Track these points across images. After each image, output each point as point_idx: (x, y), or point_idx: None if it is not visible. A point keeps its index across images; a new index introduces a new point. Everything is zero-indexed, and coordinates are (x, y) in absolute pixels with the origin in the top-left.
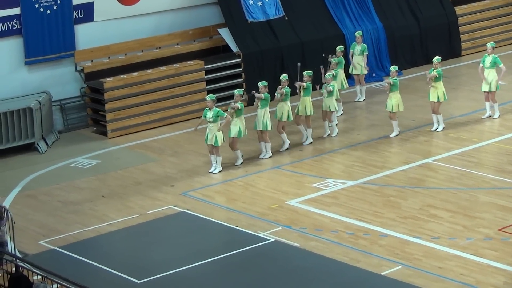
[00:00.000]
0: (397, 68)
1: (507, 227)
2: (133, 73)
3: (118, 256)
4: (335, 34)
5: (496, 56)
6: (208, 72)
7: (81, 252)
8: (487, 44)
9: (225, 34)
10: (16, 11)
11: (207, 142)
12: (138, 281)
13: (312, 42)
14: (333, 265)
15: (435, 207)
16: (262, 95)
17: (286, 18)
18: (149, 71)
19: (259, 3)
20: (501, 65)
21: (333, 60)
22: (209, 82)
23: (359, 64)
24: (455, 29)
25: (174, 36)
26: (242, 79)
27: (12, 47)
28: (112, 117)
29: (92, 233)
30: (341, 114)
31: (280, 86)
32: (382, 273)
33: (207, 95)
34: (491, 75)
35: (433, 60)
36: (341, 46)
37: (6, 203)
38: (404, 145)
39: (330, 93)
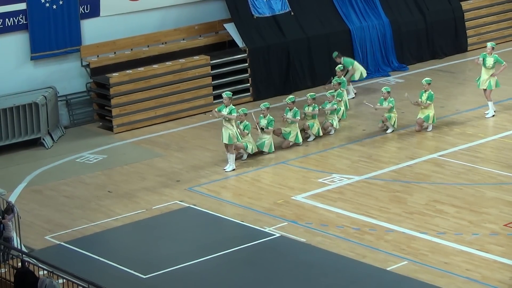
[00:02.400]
0: (389, 89)
1: None
2: (139, 68)
3: (124, 251)
4: (341, 29)
5: (496, 55)
6: (214, 67)
7: (87, 247)
8: (488, 44)
9: (231, 29)
10: (22, 6)
11: (223, 141)
12: (144, 276)
13: (318, 37)
14: (339, 260)
15: (441, 202)
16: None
17: (292, 13)
18: (155, 66)
19: None
20: (504, 64)
21: (334, 81)
22: (215, 77)
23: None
24: (461, 24)
25: (180, 31)
26: (247, 74)
27: (18, 42)
28: (118, 112)
29: (98, 228)
30: (353, 97)
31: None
32: (388, 269)
33: (213, 90)
34: (493, 75)
35: (423, 81)
36: (340, 66)
37: (12, 198)
38: (410, 140)
39: (332, 111)
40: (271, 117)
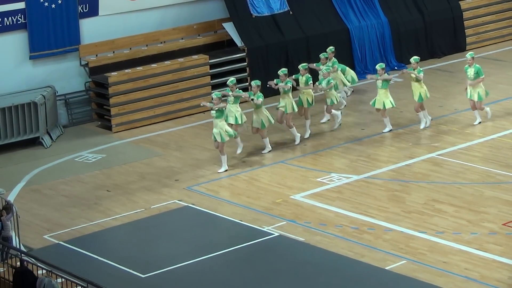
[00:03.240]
0: (383, 65)
1: (511, 222)
2: (138, 68)
3: (123, 250)
4: (340, 28)
5: (478, 66)
6: (212, 66)
7: (85, 246)
8: (467, 55)
9: (230, 28)
10: (21, 5)
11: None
12: (143, 275)
13: (316, 37)
14: (337, 259)
15: (439, 201)
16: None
17: (291, 12)
18: (153, 65)
19: None
20: (482, 76)
21: (324, 69)
22: (213, 76)
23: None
24: (460, 23)
25: (179, 30)
26: (246, 74)
27: (17, 41)
28: (117, 111)
29: (97, 228)
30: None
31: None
32: (386, 268)
33: (211, 89)
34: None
35: (411, 60)
36: (331, 48)
37: (11, 198)
38: (409, 139)
39: (330, 88)
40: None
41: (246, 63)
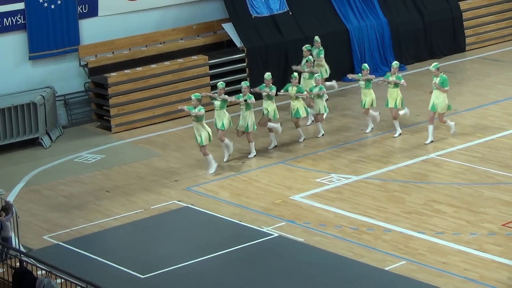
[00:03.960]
0: (367, 66)
1: (511, 222)
2: (137, 68)
3: (122, 251)
4: (339, 29)
5: (444, 76)
6: (212, 67)
7: (85, 247)
8: (431, 67)
9: (229, 29)
10: (20, 6)
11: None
12: (142, 276)
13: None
14: (337, 260)
15: (439, 202)
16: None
17: (290, 13)
18: (153, 66)
19: None
20: (446, 88)
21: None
22: (213, 77)
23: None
24: (460, 24)
25: (178, 31)
26: (246, 74)
27: (16, 42)
28: (116, 112)
29: (96, 228)
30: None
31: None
32: (386, 268)
33: (211, 90)
34: (440, 96)
35: (393, 64)
36: (308, 46)
37: (11, 198)
38: (408, 140)
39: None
40: (250, 95)
41: (245, 64)
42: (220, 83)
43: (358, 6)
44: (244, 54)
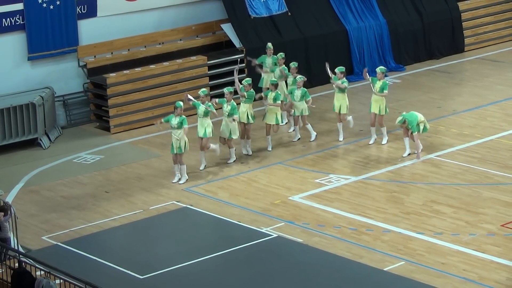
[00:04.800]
0: (343, 69)
1: (510, 223)
2: (136, 69)
3: (121, 251)
4: (338, 29)
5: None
6: (211, 67)
7: (84, 247)
8: (377, 69)
9: (228, 29)
10: (19, 6)
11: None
12: (141, 277)
13: (315, 38)
14: (336, 260)
15: (438, 202)
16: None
17: (289, 13)
18: (152, 66)
19: None
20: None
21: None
22: (212, 77)
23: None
24: (458, 24)
25: (177, 31)
26: (245, 74)
27: (15, 42)
28: (115, 112)
29: (95, 229)
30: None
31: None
32: (385, 269)
33: (210, 90)
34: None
35: (377, 70)
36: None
37: (9, 199)
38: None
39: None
40: (234, 103)
41: (244, 64)
42: (202, 91)
43: (357, 7)
44: (243, 55)
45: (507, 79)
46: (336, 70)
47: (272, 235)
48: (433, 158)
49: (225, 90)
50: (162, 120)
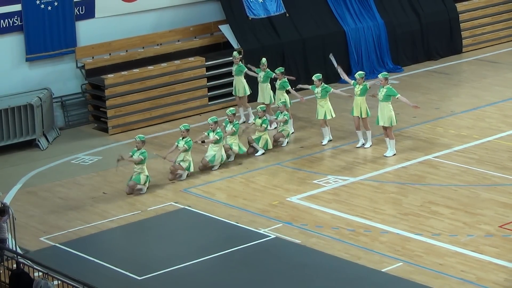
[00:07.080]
0: (320, 76)
1: (508, 224)
2: (134, 70)
3: (119, 252)
4: (336, 30)
5: (390, 87)
6: (209, 68)
7: (82, 248)
8: (379, 75)
9: (226, 30)
10: (17, 7)
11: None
12: (139, 278)
13: (313, 39)
14: (333, 261)
15: (436, 203)
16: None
17: (287, 14)
18: (150, 67)
19: (260, 0)
20: (398, 96)
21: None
22: (210, 78)
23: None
24: (456, 25)
25: (175, 32)
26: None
27: (13, 43)
28: (113, 113)
29: (93, 230)
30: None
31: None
32: (383, 270)
33: (208, 91)
34: (386, 108)
35: (356, 75)
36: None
37: (7, 200)
38: (405, 141)
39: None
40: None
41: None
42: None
43: (355, 8)
44: (241, 56)
45: (505, 80)
46: (314, 77)
47: (270, 236)
48: (431, 159)
49: (209, 120)
50: (130, 152)
